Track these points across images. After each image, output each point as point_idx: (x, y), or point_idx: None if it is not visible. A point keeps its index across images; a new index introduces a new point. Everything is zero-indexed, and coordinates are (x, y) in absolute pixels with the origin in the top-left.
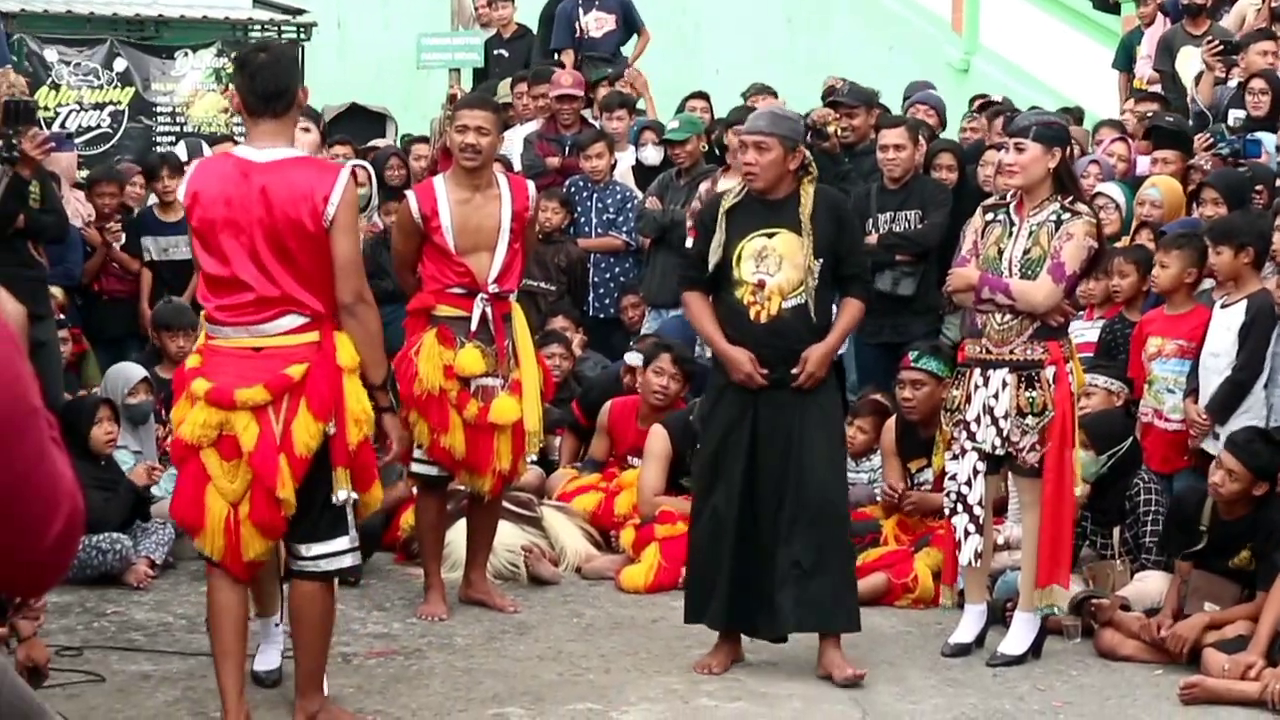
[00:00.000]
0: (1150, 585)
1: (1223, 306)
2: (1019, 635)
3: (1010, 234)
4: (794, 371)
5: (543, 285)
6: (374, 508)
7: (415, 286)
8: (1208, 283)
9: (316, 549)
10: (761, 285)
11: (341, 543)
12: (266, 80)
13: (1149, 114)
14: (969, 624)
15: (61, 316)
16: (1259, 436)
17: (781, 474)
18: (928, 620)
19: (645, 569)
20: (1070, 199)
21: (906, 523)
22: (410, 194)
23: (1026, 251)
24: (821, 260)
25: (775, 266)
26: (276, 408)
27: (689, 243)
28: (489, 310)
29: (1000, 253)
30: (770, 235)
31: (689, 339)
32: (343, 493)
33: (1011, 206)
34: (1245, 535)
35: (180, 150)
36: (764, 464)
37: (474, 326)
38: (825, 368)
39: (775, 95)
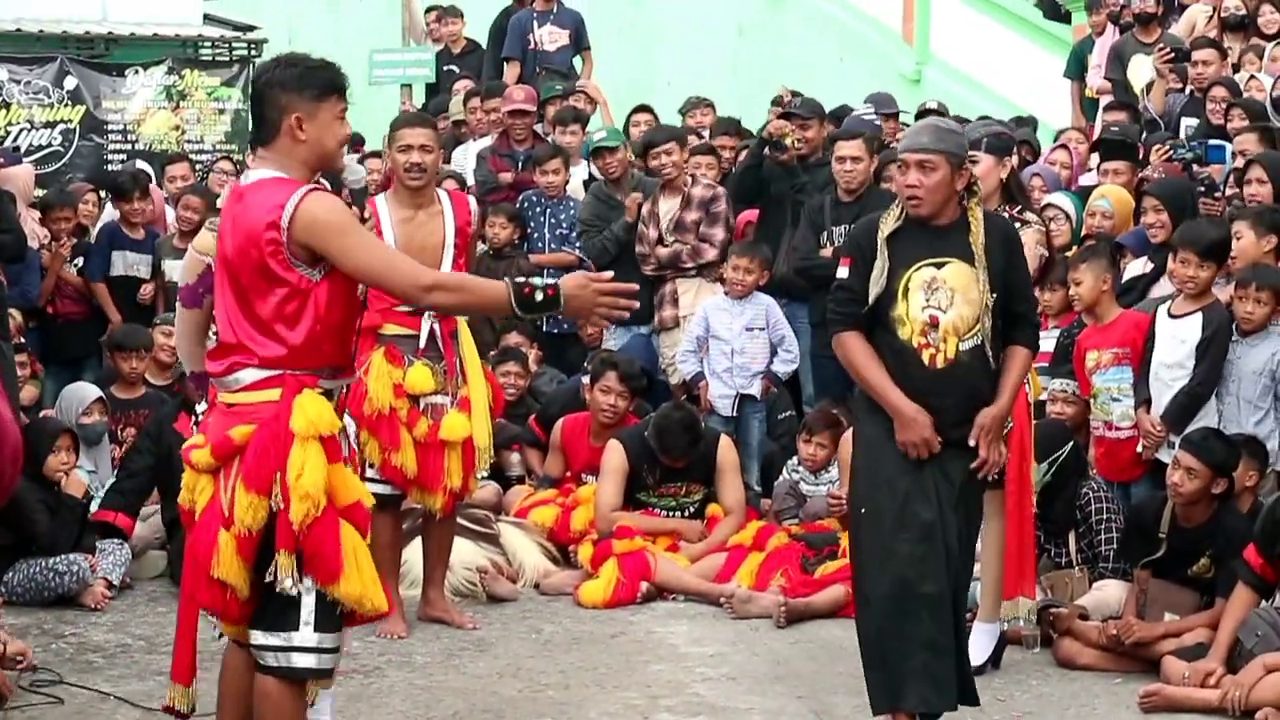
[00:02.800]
0: (1109, 594)
1: (1172, 316)
2: (978, 645)
3: None
4: (971, 443)
5: None
6: (357, 606)
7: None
8: (1163, 289)
9: (260, 637)
10: (934, 324)
11: (291, 637)
12: (254, 107)
13: (1114, 125)
14: None
15: (21, 340)
16: (1213, 434)
17: (945, 533)
18: None
19: (604, 584)
20: (1019, 208)
21: None
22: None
23: None
24: (995, 295)
25: (947, 301)
26: (226, 474)
27: (841, 273)
28: (437, 327)
29: None
30: (939, 265)
31: (651, 359)
32: (287, 581)
33: None
34: (1205, 542)
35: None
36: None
37: (423, 344)
38: (1001, 431)
39: (714, 108)
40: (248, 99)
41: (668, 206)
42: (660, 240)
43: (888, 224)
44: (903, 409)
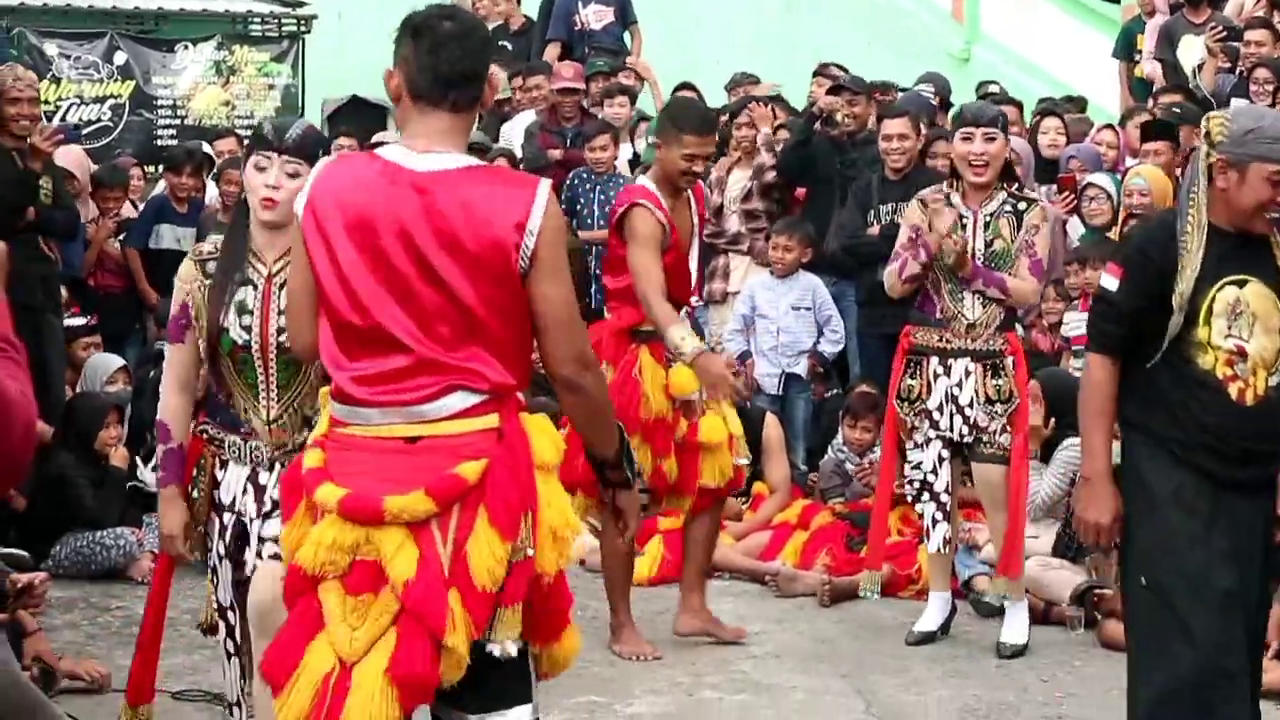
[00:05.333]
0: None
1: None
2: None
3: (966, 226)
4: None
5: None
6: (563, 668)
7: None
8: None
9: None
10: (1241, 353)
11: (522, 713)
12: (454, 57)
13: (1174, 106)
14: (933, 612)
15: (92, 320)
16: None
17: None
18: None
19: (649, 561)
20: (1016, 185)
21: (909, 515)
22: (644, 201)
23: (989, 244)
24: None
25: (1247, 330)
26: (443, 523)
27: (1110, 284)
28: (689, 324)
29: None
30: (1241, 284)
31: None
32: (509, 643)
33: (955, 197)
34: None
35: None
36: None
37: None
38: None
39: (758, 83)
40: (297, 75)
41: (738, 176)
42: (722, 209)
43: (1194, 230)
44: (1098, 480)
